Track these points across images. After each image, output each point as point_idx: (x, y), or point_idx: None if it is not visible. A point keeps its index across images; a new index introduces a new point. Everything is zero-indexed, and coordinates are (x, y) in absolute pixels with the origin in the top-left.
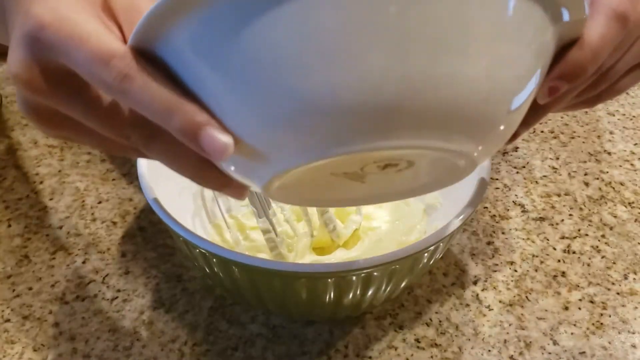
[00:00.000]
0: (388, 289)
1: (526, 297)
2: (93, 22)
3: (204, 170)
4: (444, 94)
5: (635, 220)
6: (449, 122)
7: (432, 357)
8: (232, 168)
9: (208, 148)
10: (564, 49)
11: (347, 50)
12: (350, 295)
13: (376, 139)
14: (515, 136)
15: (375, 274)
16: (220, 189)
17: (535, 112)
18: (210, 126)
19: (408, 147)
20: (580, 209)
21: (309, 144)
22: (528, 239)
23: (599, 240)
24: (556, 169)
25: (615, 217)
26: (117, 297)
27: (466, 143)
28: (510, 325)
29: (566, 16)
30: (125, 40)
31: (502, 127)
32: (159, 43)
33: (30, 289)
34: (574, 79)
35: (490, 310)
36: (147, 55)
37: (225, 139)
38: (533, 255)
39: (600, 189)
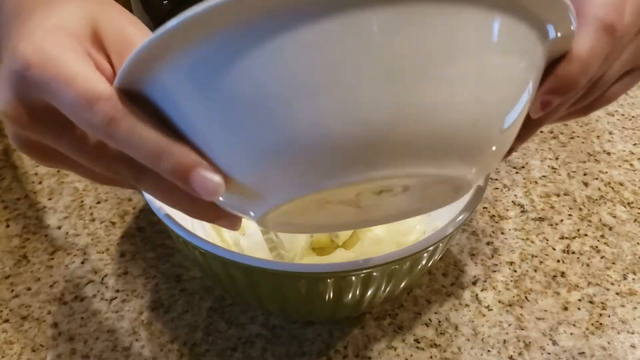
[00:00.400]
0: (387, 289)
1: (525, 297)
2: (80, 62)
3: (196, 203)
4: (433, 122)
5: (635, 221)
6: (440, 149)
7: (431, 357)
8: (225, 203)
9: (198, 189)
10: (554, 63)
11: (332, 86)
12: (350, 296)
13: (367, 170)
14: (510, 151)
15: (374, 274)
16: (213, 221)
17: (529, 126)
18: (200, 168)
19: (400, 177)
20: (580, 209)
21: (301, 179)
22: (527, 239)
23: (598, 241)
24: (555, 169)
25: (614, 217)
26: (116, 298)
27: (459, 167)
28: (509, 325)
29: (553, 33)
30: (115, 74)
31: (494, 148)
32: (145, 83)
33: (28, 289)
34: (566, 92)
35: (489, 310)
36: (134, 95)
37: (215, 179)
38: (532, 256)
39: (599, 189)
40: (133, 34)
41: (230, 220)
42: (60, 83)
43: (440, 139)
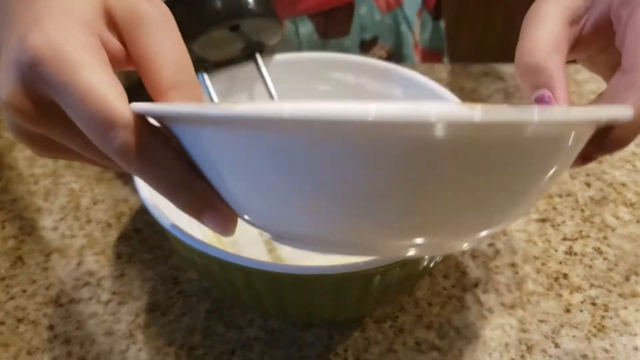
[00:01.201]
0: (388, 291)
1: (527, 299)
2: (95, 67)
3: (195, 204)
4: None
5: (637, 222)
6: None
7: None
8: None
9: (210, 226)
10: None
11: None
12: (350, 298)
13: (363, 255)
14: None
15: (375, 276)
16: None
17: None
18: (215, 210)
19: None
20: (582, 210)
21: (306, 245)
22: (530, 240)
23: (600, 242)
24: None
25: (617, 218)
26: (112, 300)
27: (455, 246)
28: (511, 328)
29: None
30: (127, 51)
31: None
32: (163, 122)
33: (24, 291)
34: (614, 151)
35: (491, 313)
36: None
37: (230, 218)
38: (534, 257)
39: (602, 190)
40: (142, 10)
41: (224, 225)
42: (73, 93)
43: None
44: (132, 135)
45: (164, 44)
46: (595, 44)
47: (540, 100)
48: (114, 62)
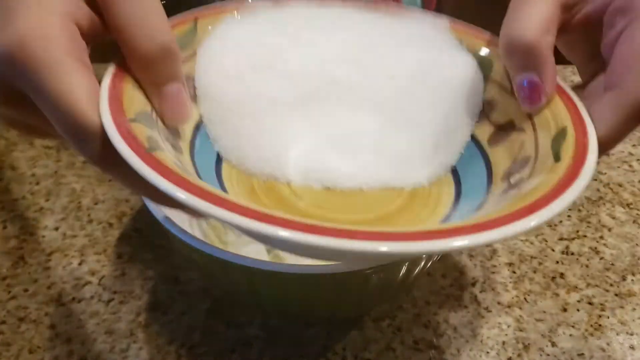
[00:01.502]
0: (386, 290)
1: (524, 298)
2: (67, 67)
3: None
4: None
5: (634, 222)
6: None
7: (430, 359)
8: None
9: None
10: None
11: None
12: (349, 297)
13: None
14: None
15: (373, 275)
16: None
17: None
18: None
19: None
20: (579, 210)
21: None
22: (527, 240)
23: (597, 242)
24: None
25: (613, 218)
26: (113, 299)
27: None
28: (508, 327)
29: None
30: (105, 23)
31: None
32: None
33: (26, 290)
34: None
35: (488, 312)
36: None
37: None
38: (531, 257)
39: (598, 190)
40: None
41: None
42: (44, 96)
43: None
44: (103, 144)
45: (134, 11)
46: (579, 33)
47: (529, 88)
48: (92, 35)
